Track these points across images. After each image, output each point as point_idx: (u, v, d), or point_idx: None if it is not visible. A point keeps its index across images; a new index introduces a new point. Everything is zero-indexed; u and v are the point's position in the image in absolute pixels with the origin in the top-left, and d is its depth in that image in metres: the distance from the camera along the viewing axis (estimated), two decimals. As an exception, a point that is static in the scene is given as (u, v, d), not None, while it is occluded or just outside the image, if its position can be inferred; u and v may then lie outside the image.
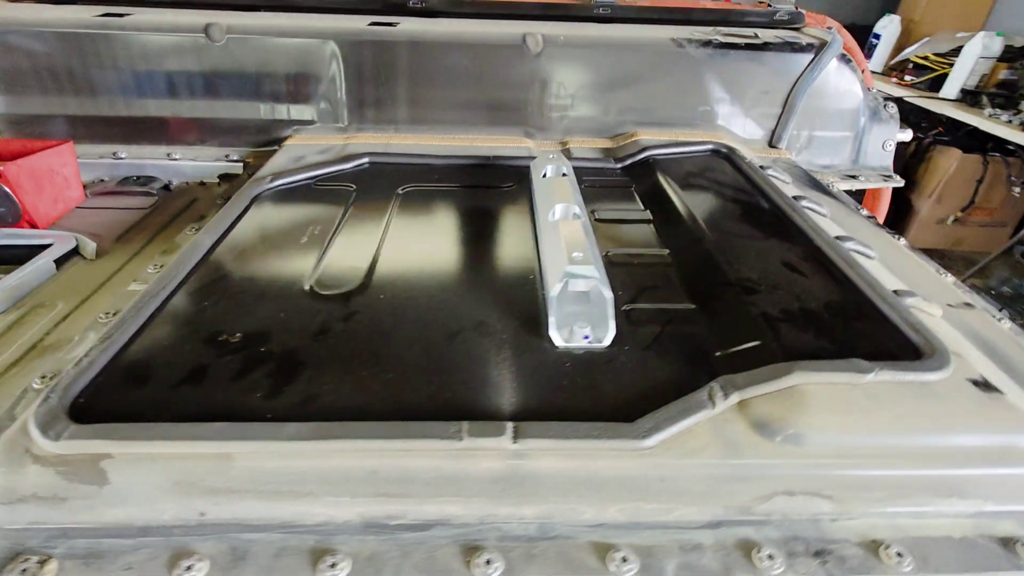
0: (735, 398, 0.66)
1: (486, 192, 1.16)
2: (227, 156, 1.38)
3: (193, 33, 1.30)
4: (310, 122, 1.40)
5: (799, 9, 1.54)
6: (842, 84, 1.43)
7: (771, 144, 1.46)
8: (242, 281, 0.86)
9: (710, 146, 1.32)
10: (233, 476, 0.57)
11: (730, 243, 0.97)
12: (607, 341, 0.76)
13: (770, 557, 0.58)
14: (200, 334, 0.74)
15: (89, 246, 1.08)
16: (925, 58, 4.20)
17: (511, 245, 0.99)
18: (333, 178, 1.18)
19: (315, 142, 1.34)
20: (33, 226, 1.16)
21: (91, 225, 1.18)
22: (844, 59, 1.43)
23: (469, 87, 1.40)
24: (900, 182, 1.48)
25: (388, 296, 0.83)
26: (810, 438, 0.63)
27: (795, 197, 1.10)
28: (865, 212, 1.25)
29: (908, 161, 4.50)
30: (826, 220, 1.08)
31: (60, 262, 1.05)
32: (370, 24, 1.36)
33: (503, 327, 0.79)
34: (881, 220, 1.77)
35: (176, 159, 1.37)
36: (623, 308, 0.84)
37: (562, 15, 1.48)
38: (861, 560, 0.59)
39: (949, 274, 1.05)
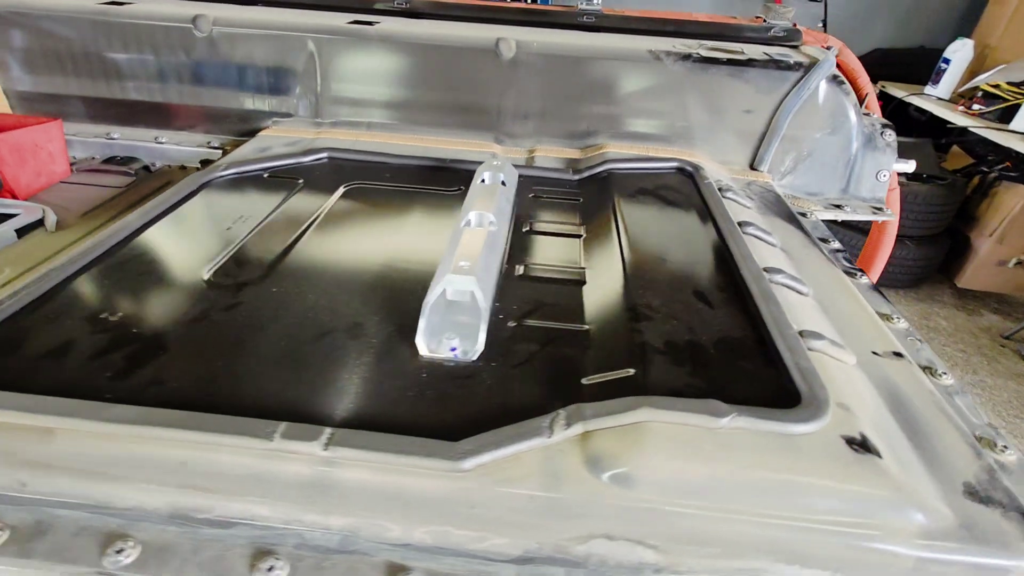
0: (578, 429, 0.63)
1: (429, 195, 1.16)
2: (209, 143, 1.44)
3: (182, 23, 1.37)
4: (288, 115, 1.45)
5: (796, 27, 1.46)
6: (833, 107, 1.35)
7: (752, 166, 1.39)
8: (150, 263, 0.89)
9: (675, 164, 1.27)
10: (52, 451, 0.59)
11: (650, 265, 0.93)
12: (473, 355, 0.75)
13: None
14: (84, 311, 0.77)
15: (51, 219, 1.15)
16: (996, 86, 3.89)
17: (424, 250, 0.98)
18: (286, 170, 1.21)
19: (287, 134, 1.38)
20: (14, 196, 1.25)
21: (66, 199, 1.26)
22: (836, 80, 1.34)
23: (442, 89, 1.40)
24: (891, 216, 1.37)
25: (279, 290, 0.85)
26: (641, 480, 0.59)
27: (742, 223, 1.04)
28: (834, 245, 1.17)
29: (969, 196, 4.19)
30: (772, 250, 1.02)
31: (23, 232, 1.12)
32: (350, 23, 1.39)
33: (378, 332, 0.79)
34: (883, 258, 1.65)
35: (162, 143, 1.44)
36: (510, 324, 0.82)
37: (545, 22, 1.46)
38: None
39: (903, 320, 0.97)
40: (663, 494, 0.59)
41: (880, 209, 1.38)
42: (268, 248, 0.94)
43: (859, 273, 1.08)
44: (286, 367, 0.71)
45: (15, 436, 0.60)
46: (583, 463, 0.61)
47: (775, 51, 1.39)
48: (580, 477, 0.60)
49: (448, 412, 0.67)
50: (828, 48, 1.45)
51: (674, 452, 0.61)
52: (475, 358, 0.74)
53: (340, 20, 1.39)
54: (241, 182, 1.16)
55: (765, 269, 0.90)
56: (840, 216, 1.36)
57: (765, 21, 1.47)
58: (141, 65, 1.42)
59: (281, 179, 1.17)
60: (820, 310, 0.88)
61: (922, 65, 4.79)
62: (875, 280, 1.69)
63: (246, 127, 1.46)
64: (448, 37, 1.36)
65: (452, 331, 0.77)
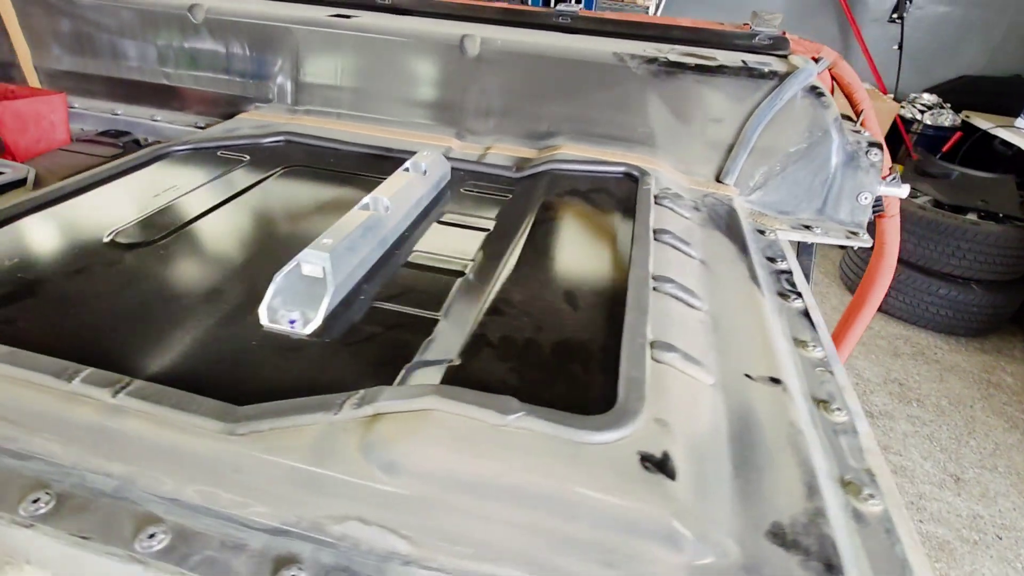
0: (368, 410, 0.62)
1: (359, 180, 1.18)
2: (196, 123, 1.54)
3: (179, 11, 1.47)
4: (268, 101, 1.52)
5: (785, 34, 1.37)
6: (809, 121, 1.25)
7: (718, 178, 1.31)
8: (66, 219, 0.96)
9: (623, 168, 1.22)
10: None
11: (535, 263, 0.90)
12: (309, 329, 0.75)
13: None
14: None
15: (31, 179, 1.27)
16: (1094, 121, 3.49)
17: (321, 230, 1.00)
18: (238, 148, 1.27)
19: (261, 118, 1.45)
20: (13, 158, 1.38)
21: (56, 164, 1.39)
22: (815, 92, 1.25)
23: (408, 83, 1.43)
24: (866, 242, 1.25)
25: (164, 254, 0.89)
26: (407, 469, 0.57)
27: (660, 231, 0.99)
28: (781, 266, 1.08)
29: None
30: (683, 261, 0.95)
31: (5, 188, 1.24)
32: (330, 15, 1.44)
33: (235, 300, 0.81)
34: (878, 291, 1.51)
35: (157, 121, 1.56)
36: (366, 305, 0.82)
37: (521, 22, 1.45)
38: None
39: (821, 348, 0.88)
40: (426, 485, 0.56)
41: (855, 234, 1.26)
42: (177, 216, 0.99)
43: (793, 296, 1.00)
44: (127, 321, 0.75)
45: None
46: (359, 444, 0.59)
47: (754, 59, 1.31)
48: (349, 457, 0.58)
49: (257, 379, 0.68)
50: (818, 59, 1.35)
51: (448, 444, 0.58)
52: (309, 332, 0.75)
53: (320, 13, 1.45)
54: (193, 156, 1.23)
55: (654, 277, 0.85)
56: (809, 238, 1.26)
57: (751, 28, 1.39)
58: (144, 49, 1.54)
59: (229, 157, 1.23)
60: (703, 325, 0.82)
61: (1015, 96, 4.38)
62: (872, 312, 1.56)
63: (231, 110, 1.54)
64: (415, 32, 1.39)
65: (304, 305, 0.78)
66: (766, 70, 1.25)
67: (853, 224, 1.29)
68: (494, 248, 0.96)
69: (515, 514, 0.55)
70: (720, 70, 1.27)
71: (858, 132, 1.31)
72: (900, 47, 4.77)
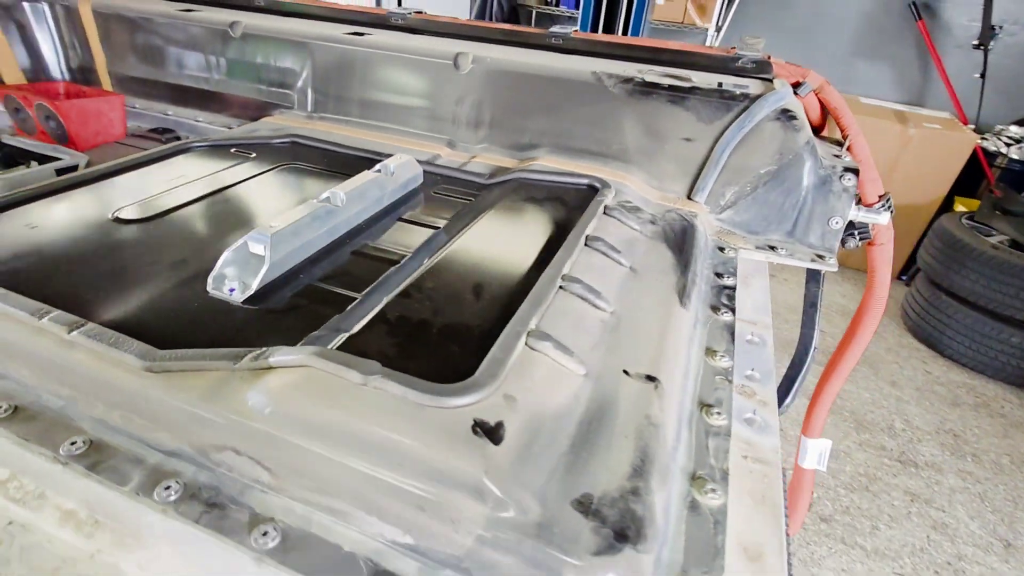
0: (263, 363, 0.73)
1: (344, 178, 1.31)
2: (230, 125, 1.74)
3: (222, 26, 1.69)
4: (289, 107, 1.70)
5: (769, 58, 1.38)
6: (780, 144, 1.26)
7: (689, 196, 1.34)
8: (88, 199, 1.15)
9: (587, 181, 1.28)
10: None
11: (463, 257, 0.98)
12: (243, 297, 0.87)
13: (167, 488, 0.64)
14: (11, 216, 1.03)
15: (82, 165, 1.49)
16: None
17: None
18: (249, 147, 1.44)
19: (280, 122, 1.62)
20: (75, 147, 1.63)
21: (108, 155, 1.62)
22: (786, 115, 1.25)
23: (408, 95, 1.56)
24: (832, 267, 1.23)
25: (155, 230, 1.05)
26: (277, 413, 0.67)
27: (593, 237, 1.04)
28: (726, 282, 1.10)
29: None
30: (608, 266, 1.00)
31: (61, 172, 1.47)
32: (347, 33, 1.60)
33: (195, 270, 0.94)
34: (873, 320, 1.47)
35: (199, 122, 1.78)
36: (303, 283, 0.93)
37: (519, 42, 1.55)
38: (236, 524, 0.62)
39: (730, 359, 0.91)
40: (290, 427, 0.66)
41: (822, 258, 1.25)
42: (174, 200, 1.15)
43: (724, 310, 1.02)
44: (105, 278, 0.90)
45: None
46: (247, 390, 0.70)
47: (730, 81, 1.34)
48: (236, 399, 0.69)
49: (189, 332, 0.80)
50: (801, 83, 1.35)
51: (313, 396, 0.68)
52: (242, 300, 0.87)
53: (337, 31, 1.61)
54: (210, 152, 1.41)
55: (565, 276, 0.91)
56: (773, 258, 1.26)
57: (736, 52, 1.41)
58: (192, 59, 1.77)
59: (239, 154, 1.40)
60: (602, 324, 0.86)
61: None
62: (863, 344, 1.50)
63: (259, 114, 1.74)
64: (416, 49, 1.51)
65: (245, 277, 0.90)
66: (737, 92, 1.28)
67: (823, 248, 1.27)
68: (433, 244, 1.05)
69: (356, 459, 0.63)
70: (692, 91, 1.30)
71: (838, 156, 1.30)
72: (983, 75, 4.47)
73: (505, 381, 0.69)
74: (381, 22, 1.67)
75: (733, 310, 1.03)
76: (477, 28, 1.59)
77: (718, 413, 0.79)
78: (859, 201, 1.33)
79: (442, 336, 0.79)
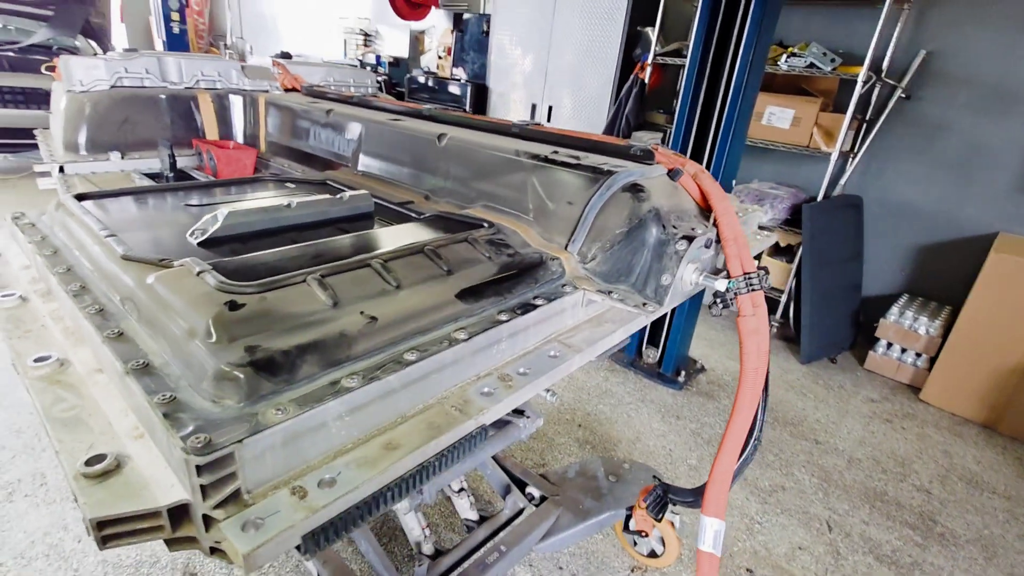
0: (181, 267, 1.29)
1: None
2: (314, 178, 2.52)
3: (321, 112, 2.51)
4: (346, 164, 2.42)
5: (655, 147, 1.69)
6: (629, 211, 1.55)
7: (566, 247, 1.67)
8: (176, 198, 1.90)
9: (482, 221, 1.69)
10: None
11: (320, 249, 1.46)
12: (197, 240, 1.46)
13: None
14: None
15: (210, 185, 2.34)
16: None
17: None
18: (296, 182, 2.14)
19: (335, 175, 2.34)
20: (216, 176, 2.52)
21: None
22: (635, 189, 1.55)
23: (407, 159, 2.16)
24: (653, 313, 1.44)
25: (202, 211, 1.73)
26: (159, 279, 1.22)
27: (431, 248, 1.45)
28: (537, 303, 1.42)
29: None
30: (424, 263, 1.40)
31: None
32: (389, 119, 2.29)
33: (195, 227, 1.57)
34: (750, 394, 1.59)
35: (294, 171, 2.59)
36: (239, 242, 1.49)
37: (491, 129, 2.07)
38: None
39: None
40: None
41: (646, 305, 1.47)
42: (227, 197, 1.85)
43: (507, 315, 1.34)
44: (156, 227, 1.57)
45: None
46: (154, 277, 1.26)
47: (615, 162, 1.67)
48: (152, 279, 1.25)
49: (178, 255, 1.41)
50: (676, 169, 1.63)
51: (175, 278, 1.20)
52: (197, 242, 1.45)
53: (384, 117, 2.31)
54: (274, 186, 2.14)
55: (378, 256, 1.34)
56: (606, 301, 1.51)
57: (630, 143, 1.75)
58: (303, 130, 2.62)
59: (286, 187, 2.10)
60: (381, 290, 1.26)
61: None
62: (744, 423, 1.59)
63: (332, 168, 2.49)
64: (417, 130, 2.12)
65: (207, 229, 1.50)
66: (604, 169, 1.61)
67: (653, 300, 1.49)
68: (328, 239, 1.55)
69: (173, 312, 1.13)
70: (577, 167, 1.67)
71: (682, 224, 1.53)
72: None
73: (265, 296, 1.14)
74: (415, 113, 2.34)
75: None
76: (469, 119, 2.16)
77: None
78: (728, 275, 1.53)
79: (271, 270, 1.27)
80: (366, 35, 10.86)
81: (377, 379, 1.03)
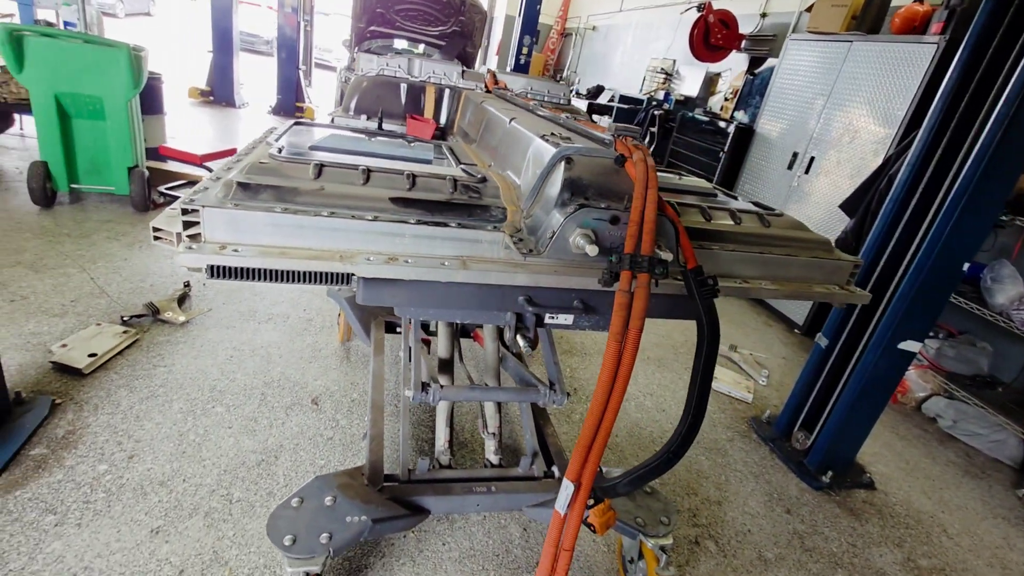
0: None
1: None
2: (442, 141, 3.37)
3: (478, 105, 3.33)
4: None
5: (617, 138, 1.97)
6: (558, 180, 1.91)
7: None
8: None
9: (484, 177, 2.24)
10: None
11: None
12: (231, 176, 2.40)
13: None
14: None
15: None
16: None
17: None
18: (420, 140, 2.99)
19: (457, 142, 3.13)
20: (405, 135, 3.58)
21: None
22: (567, 161, 1.89)
23: (491, 137, 2.79)
24: (519, 256, 1.78)
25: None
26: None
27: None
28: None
29: None
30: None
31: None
32: (504, 114, 2.97)
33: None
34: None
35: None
36: (328, 156, 2.39)
37: (547, 118, 2.56)
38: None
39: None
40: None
41: (522, 244, 1.82)
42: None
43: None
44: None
45: None
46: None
47: (581, 142, 2.03)
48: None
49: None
50: (620, 156, 1.91)
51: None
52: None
53: (506, 112, 2.99)
54: (409, 140, 3.04)
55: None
56: (512, 246, 1.91)
57: (607, 131, 2.04)
58: (470, 115, 3.48)
59: (415, 141, 2.97)
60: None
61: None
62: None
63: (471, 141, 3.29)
64: (500, 117, 2.74)
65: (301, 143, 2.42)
66: (561, 145, 1.99)
67: (537, 247, 1.84)
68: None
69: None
70: (548, 142, 2.08)
71: (600, 199, 1.83)
72: None
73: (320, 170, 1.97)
74: (530, 109, 2.95)
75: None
76: (554, 116, 2.69)
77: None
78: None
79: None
80: (667, 74, 11.55)
81: (293, 213, 1.75)
